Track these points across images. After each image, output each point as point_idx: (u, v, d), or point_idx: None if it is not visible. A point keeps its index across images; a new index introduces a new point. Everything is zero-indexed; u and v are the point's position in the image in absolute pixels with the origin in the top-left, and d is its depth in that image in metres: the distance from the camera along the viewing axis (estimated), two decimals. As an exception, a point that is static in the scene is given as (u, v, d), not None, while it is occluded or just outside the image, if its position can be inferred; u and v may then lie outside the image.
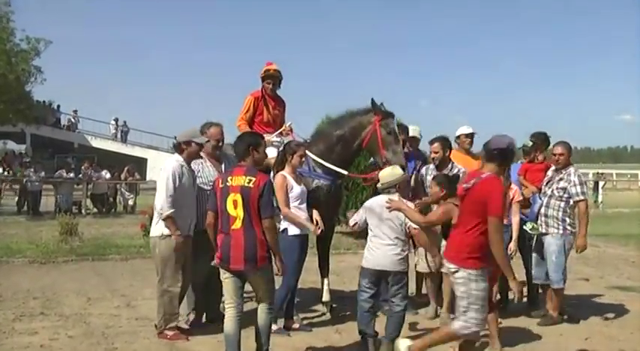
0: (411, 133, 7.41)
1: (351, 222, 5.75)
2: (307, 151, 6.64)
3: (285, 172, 6.17)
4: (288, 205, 6.06)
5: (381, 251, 5.44)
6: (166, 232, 5.88)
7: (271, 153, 6.90)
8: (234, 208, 4.85)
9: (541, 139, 7.36)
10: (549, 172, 6.89)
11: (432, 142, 6.85)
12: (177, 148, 6.17)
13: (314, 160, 6.64)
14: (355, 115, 6.69)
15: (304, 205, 6.18)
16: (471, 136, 7.53)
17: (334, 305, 6.96)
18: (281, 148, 6.54)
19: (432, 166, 6.84)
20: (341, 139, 6.65)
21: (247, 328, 5.19)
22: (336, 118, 7.00)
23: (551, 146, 7.27)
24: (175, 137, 6.56)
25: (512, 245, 6.53)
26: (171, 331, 5.94)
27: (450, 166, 6.75)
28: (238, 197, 4.83)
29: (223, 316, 6.62)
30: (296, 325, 6.31)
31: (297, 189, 6.13)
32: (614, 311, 6.93)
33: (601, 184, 30.62)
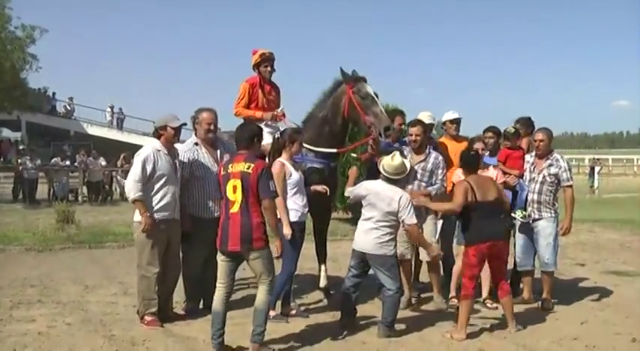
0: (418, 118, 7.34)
1: (347, 192, 6.02)
2: None
3: (283, 158, 6.18)
4: (284, 193, 6.07)
5: (364, 234, 5.74)
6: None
7: (266, 140, 6.87)
8: (234, 192, 5.11)
9: (526, 125, 7.39)
10: (529, 158, 6.96)
11: (412, 126, 6.73)
12: (155, 134, 6.18)
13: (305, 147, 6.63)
14: (331, 91, 6.71)
15: (301, 192, 6.17)
16: (456, 121, 7.53)
17: (331, 291, 6.97)
18: (277, 135, 6.52)
19: (408, 149, 6.73)
20: (326, 120, 6.67)
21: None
22: (318, 101, 6.97)
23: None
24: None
25: None
26: (150, 316, 5.97)
27: (427, 150, 6.72)
28: (238, 183, 5.09)
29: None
30: (293, 311, 6.33)
31: (295, 176, 6.13)
32: (610, 296, 6.96)
33: (597, 169, 30.79)
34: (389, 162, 5.78)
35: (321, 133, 6.67)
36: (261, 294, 5.18)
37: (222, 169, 5.27)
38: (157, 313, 6.03)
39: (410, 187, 6.46)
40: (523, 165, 6.94)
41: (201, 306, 6.55)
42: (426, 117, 7.27)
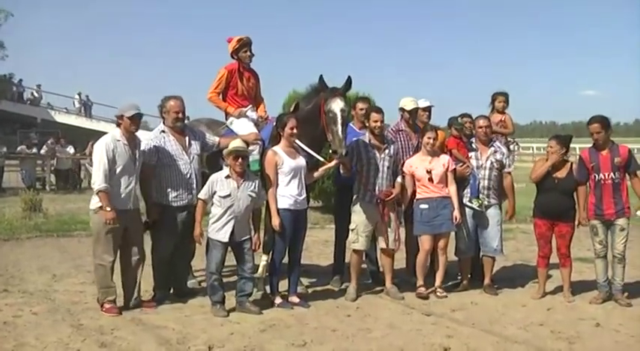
0: (401, 105, 7.31)
1: None
2: None
3: (278, 146, 6.21)
4: (274, 183, 6.14)
5: None
6: (98, 205, 5.91)
7: (247, 128, 6.81)
8: None
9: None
10: (473, 145, 7.08)
11: (376, 112, 6.70)
12: (117, 123, 6.17)
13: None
14: (318, 90, 6.45)
15: (298, 180, 6.19)
16: (428, 109, 7.53)
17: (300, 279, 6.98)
18: (274, 123, 6.52)
19: (367, 135, 6.74)
20: (308, 115, 6.44)
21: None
22: (306, 92, 6.81)
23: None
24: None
25: (457, 214, 6.74)
26: (109, 304, 5.96)
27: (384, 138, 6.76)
28: None
29: (189, 290, 6.68)
30: (296, 300, 6.36)
31: (289, 164, 6.14)
32: (575, 282, 7.07)
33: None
34: (230, 145, 6.07)
35: (305, 128, 6.35)
36: None
37: None
38: (125, 302, 6.07)
39: (380, 181, 6.58)
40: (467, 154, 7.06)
41: (170, 295, 6.51)
42: (410, 103, 7.29)
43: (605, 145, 6.44)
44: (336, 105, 6.13)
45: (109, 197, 5.83)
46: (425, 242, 6.79)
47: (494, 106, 7.94)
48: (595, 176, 6.44)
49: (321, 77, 6.37)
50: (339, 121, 6.08)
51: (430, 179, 6.70)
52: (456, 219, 6.72)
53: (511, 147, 7.94)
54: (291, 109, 6.81)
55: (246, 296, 6.10)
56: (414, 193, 6.86)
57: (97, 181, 5.85)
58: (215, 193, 5.98)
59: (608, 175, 6.37)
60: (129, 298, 6.13)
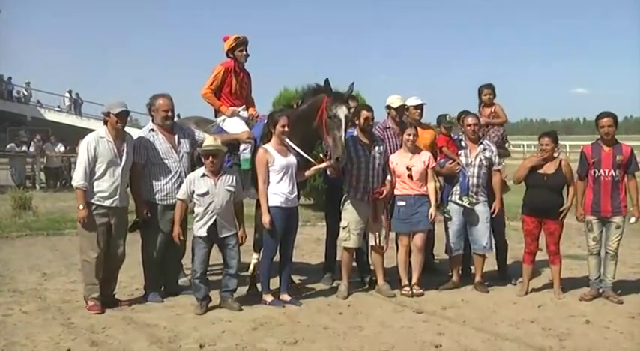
0: (387, 102, 7.36)
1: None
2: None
3: (269, 144, 6.21)
4: (265, 180, 6.14)
5: None
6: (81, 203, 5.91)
7: (239, 127, 6.80)
8: None
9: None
10: (462, 143, 7.09)
11: (365, 110, 6.74)
12: (104, 120, 6.17)
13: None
14: (316, 91, 6.47)
15: (289, 177, 6.20)
16: (420, 107, 7.54)
17: (292, 277, 6.99)
18: (265, 121, 6.52)
19: (354, 132, 6.77)
20: (302, 116, 6.46)
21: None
22: (302, 91, 6.80)
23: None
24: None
25: (433, 211, 6.76)
26: (92, 301, 5.96)
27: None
28: None
29: (181, 288, 6.67)
30: (287, 298, 6.34)
31: (280, 162, 6.14)
32: (566, 279, 7.12)
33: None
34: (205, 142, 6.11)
35: (298, 127, 6.38)
36: None
37: None
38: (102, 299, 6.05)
39: (371, 179, 6.59)
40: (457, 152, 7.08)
41: (161, 293, 6.48)
42: (396, 100, 7.28)
43: (611, 142, 6.50)
44: (342, 111, 6.18)
45: (84, 195, 5.86)
46: (402, 239, 6.84)
47: (481, 99, 7.96)
48: (595, 172, 6.47)
49: (326, 81, 6.34)
50: (343, 126, 6.15)
51: (410, 176, 6.71)
52: (431, 216, 6.74)
53: (505, 145, 7.99)
54: (296, 104, 6.81)
55: (229, 292, 6.11)
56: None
57: (76, 178, 5.90)
58: (193, 192, 5.99)
59: (608, 173, 6.41)
60: (107, 295, 6.12)
